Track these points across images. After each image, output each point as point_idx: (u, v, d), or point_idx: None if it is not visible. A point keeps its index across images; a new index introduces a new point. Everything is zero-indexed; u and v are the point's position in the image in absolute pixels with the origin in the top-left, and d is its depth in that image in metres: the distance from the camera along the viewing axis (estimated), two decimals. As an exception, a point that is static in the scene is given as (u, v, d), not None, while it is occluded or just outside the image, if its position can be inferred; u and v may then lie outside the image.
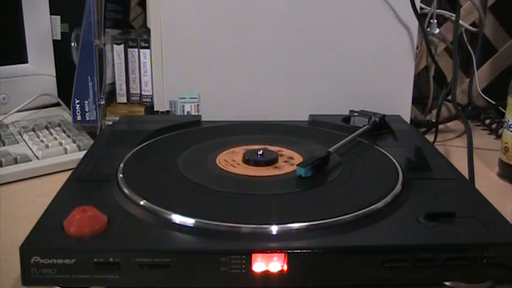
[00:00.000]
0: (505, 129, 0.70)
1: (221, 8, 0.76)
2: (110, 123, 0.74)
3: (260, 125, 0.73)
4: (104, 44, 0.76)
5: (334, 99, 0.80)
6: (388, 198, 0.49)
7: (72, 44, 0.82)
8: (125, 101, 0.84)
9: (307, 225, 0.44)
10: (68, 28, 0.91)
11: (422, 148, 0.58)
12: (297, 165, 0.54)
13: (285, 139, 0.66)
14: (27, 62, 0.87)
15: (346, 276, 0.42)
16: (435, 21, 0.90)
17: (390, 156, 0.60)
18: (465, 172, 0.60)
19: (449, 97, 0.85)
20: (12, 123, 0.83)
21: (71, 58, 0.83)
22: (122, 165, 0.57)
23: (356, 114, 0.72)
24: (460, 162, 0.62)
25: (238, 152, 0.61)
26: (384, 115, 0.70)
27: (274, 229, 0.43)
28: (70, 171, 0.56)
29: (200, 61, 0.77)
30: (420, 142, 0.65)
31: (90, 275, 0.41)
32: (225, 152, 0.61)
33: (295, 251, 0.41)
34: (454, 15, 0.84)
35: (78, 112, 0.79)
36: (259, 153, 0.59)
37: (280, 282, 0.42)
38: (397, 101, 0.80)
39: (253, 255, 0.41)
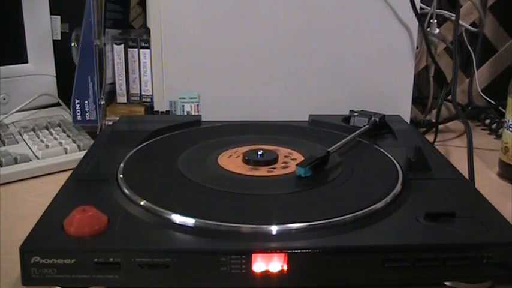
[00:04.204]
0: (505, 129, 0.70)
1: (221, 8, 0.76)
2: (110, 123, 0.74)
3: (260, 125, 0.73)
4: (104, 44, 0.76)
5: (334, 99, 0.80)
6: (388, 198, 0.49)
7: (72, 44, 0.82)
8: (125, 101, 0.84)
9: (307, 225, 0.44)
10: (68, 28, 0.91)
11: (422, 148, 0.58)
12: (297, 165, 0.54)
13: (285, 139, 0.66)
14: (27, 62, 0.87)
15: (346, 276, 0.42)
16: (435, 21, 0.90)
17: (390, 156, 0.60)
18: (465, 172, 0.60)
19: (449, 97, 0.85)
20: (12, 123, 0.83)
21: (71, 58, 0.83)
22: (122, 165, 0.57)
23: (356, 114, 0.72)
24: (460, 162, 0.62)
25: (238, 152, 0.61)
26: (384, 115, 0.70)
27: (274, 229, 0.44)
28: (70, 171, 0.56)
29: (200, 61, 0.77)
30: (420, 142, 0.65)
31: (90, 275, 0.41)
32: (225, 152, 0.61)
33: (295, 251, 0.41)
34: (454, 15, 0.84)
35: (78, 112, 0.79)
36: (259, 153, 0.59)
37: (280, 282, 0.42)
38: (397, 101, 0.80)
39: (253, 255, 0.41)
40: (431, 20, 0.90)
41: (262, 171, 0.56)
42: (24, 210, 0.60)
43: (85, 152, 0.64)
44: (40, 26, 0.88)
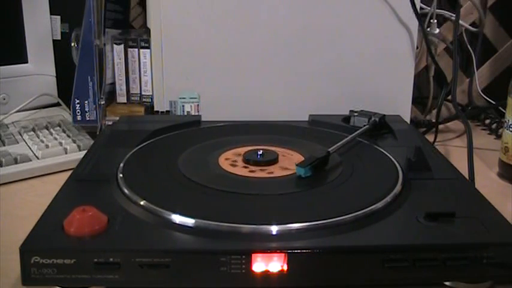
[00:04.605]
0: (505, 129, 0.70)
1: (221, 8, 0.76)
2: (110, 123, 0.74)
3: (260, 125, 0.73)
4: (104, 44, 0.76)
5: (334, 99, 0.80)
6: (388, 198, 0.49)
7: (72, 44, 0.82)
8: (125, 101, 0.84)
9: (307, 225, 0.44)
10: (68, 28, 0.91)
11: (422, 148, 0.58)
12: (297, 165, 0.54)
13: (285, 139, 0.66)
14: (27, 62, 0.87)
15: (346, 276, 0.42)
16: (435, 21, 0.90)
17: (390, 156, 0.60)
18: (465, 172, 0.60)
19: (449, 97, 0.85)
20: (12, 123, 0.83)
21: (71, 58, 0.83)
22: (122, 165, 0.57)
23: (356, 114, 0.72)
24: (460, 162, 0.62)
25: (238, 152, 0.61)
26: (384, 115, 0.70)
27: (274, 229, 0.43)
28: (70, 171, 0.56)
29: (200, 61, 0.77)
30: (420, 142, 0.65)
31: (90, 275, 0.41)
32: (225, 152, 0.61)
33: (295, 251, 0.41)
34: (454, 15, 0.84)
35: (78, 112, 0.79)
36: (259, 153, 0.59)
37: (280, 282, 0.42)
38: (397, 101, 0.80)
39: (253, 255, 0.41)
40: (431, 20, 0.90)
41: (262, 172, 0.56)
42: (24, 210, 0.60)
43: (85, 152, 0.64)
44: (40, 26, 0.88)
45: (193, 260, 0.41)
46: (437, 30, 0.90)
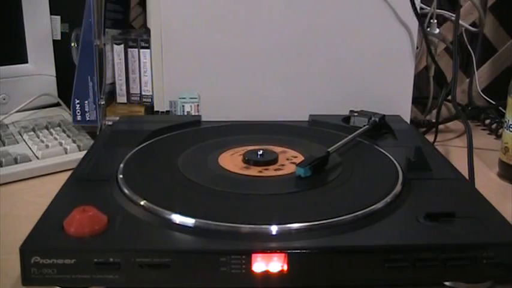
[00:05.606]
0: (505, 129, 0.70)
1: (221, 8, 0.76)
2: (110, 123, 0.74)
3: (260, 125, 0.73)
4: (104, 44, 0.76)
5: (334, 99, 0.80)
6: (388, 198, 0.49)
7: (72, 44, 0.82)
8: (125, 101, 0.84)
9: (307, 225, 0.44)
10: (68, 28, 0.91)
11: (422, 148, 0.58)
12: (297, 165, 0.54)
13: (285, 139, 0.66)
14: (27, 62, 0.87)
15: (346, 276, 0.42)
16: (435, 21, 0.90)
17: (390, 156, 0.60)
18: (465, 172, 0.60)
19: (449, 97, 0.85)
20: (12, 123, 0.83)
21: (71, 58, 0.83)
22: (122, 165, 0.57)
23: (356, 114, 0.72)
24: (460, 162, 0.62)
25: (238, 152, 0.61)
26: (384, 115, 0.70)
27: (274, 229, 0.43)
28: (70, 171, 0.56)
29: (200, 61, 0.77)
30: (420, 142, 0.65)
31: (90, 275, 0.41)
32: (225, 152, 0.61)
33: (295, 251, 0.41)
34: (454, 15, 0.84)
35: (78, 112, 0.79)
36: (259, 153, 0.59)
37: (280, 282, 0.42)
38: (397, 101, 0.80)
39: (253, 255, 0.41)
40: (431, 20, 0.90)
41: (262, 171, 0.56)
42: (24, 210, 0.60)
43: (85, 152, 0.64)
44: (40, 26, 0.88)
45: (193, 260, 0.41)
46: (437, 30, 0.90)
